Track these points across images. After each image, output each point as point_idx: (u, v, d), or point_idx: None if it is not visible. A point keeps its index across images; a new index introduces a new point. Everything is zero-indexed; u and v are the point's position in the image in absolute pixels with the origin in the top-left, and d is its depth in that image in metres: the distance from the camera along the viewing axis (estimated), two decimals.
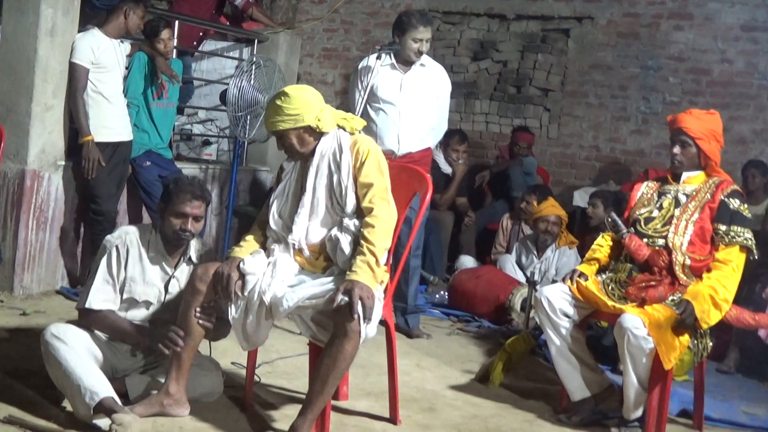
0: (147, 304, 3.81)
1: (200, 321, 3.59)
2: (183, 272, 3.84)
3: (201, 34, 7.52)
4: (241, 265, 3.57)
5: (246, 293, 3.53)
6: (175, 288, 3.83)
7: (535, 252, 6.71)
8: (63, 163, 5.52)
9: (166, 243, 3.83)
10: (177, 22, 6.72)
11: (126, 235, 3.82)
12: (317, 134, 3.65)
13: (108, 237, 3.86)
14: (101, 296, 3.73)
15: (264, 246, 3.72)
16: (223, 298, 3.57)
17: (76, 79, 5.36)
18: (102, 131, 5.43)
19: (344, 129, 3.71)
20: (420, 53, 5.41)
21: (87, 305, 3.70)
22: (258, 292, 3.52)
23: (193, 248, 3.89)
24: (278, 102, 3.61)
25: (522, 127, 8.69)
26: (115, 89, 5.57)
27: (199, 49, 7.61)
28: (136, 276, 3.78)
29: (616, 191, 6.98)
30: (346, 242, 3.52)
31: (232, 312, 3.55)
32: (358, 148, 3.63)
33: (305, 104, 3.62)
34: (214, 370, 3.92)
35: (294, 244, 3.63)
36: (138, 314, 3.80)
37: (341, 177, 3.60)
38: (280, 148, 3.71)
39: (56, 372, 3.51)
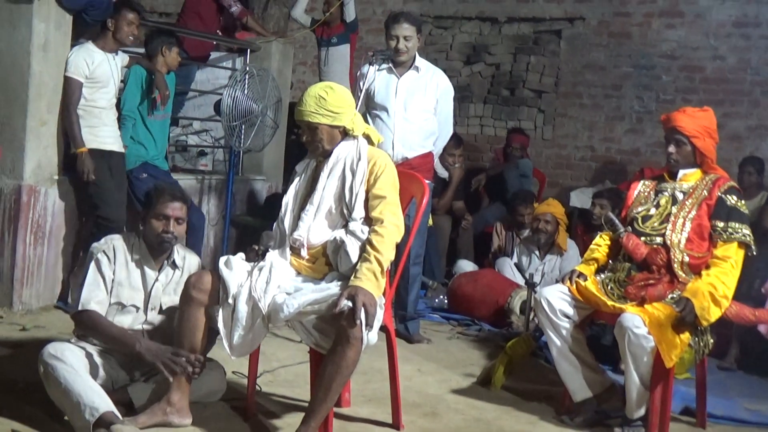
0: (134, 308, 3.84)
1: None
2: (167, 276, 3.89)
3: (214, 43, 7.61)
4: (220, 270, 3.57)
5: (230, 300, 3.51)
6: (158, 291, 3.87)
7: (537, 253, 6.71)
8: (58, 177, 5.51)
9: (149, 248, 3.88)
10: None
11: (111, 241, 3.88)
12: (344, 136, 3.68)
13: (94, 244, 3.91)
14: (94, 297, 3.75)
15: None
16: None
17: (69, 92, 5.35)
18: (92, 139, 5.42)
19: (369, 138, 3.74)
20: (399, 51, 5.41)
21: (81, 307, 3.71)
22: (247, 298, 3.50)
23: (178, 253, 3.93)
24: (322, 94, 3.62)
25: (516, 129, 8.72)
26: (108, 102, 5.56)
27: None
28: (122, 280, 3.82)
29: (617, 189, 6.96)
30: (353, 247, 3.51)
31: (221, 320, 3.53)
32: (376, 161, 3.66)
33: (346, 104, 3.67)
34: (216, 368, 3.93)
35: (297, 242, 3.62)
36: (126, 319, 3.82)
37: (354, 183, 3.61)
38: (306, 139, 3.71)
39: (55, 391, 3.50)
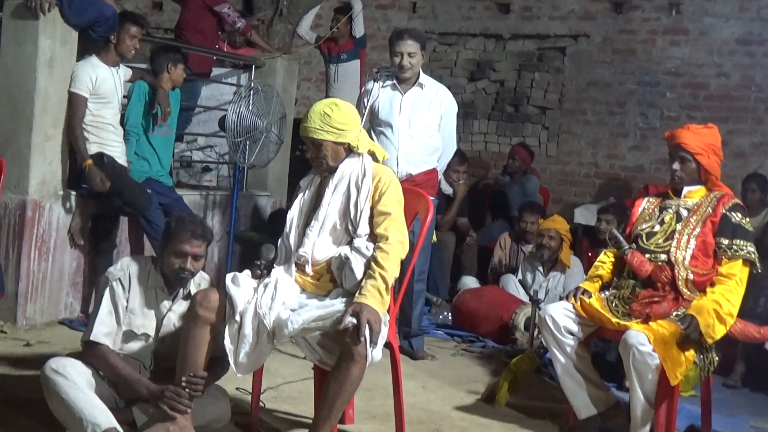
0: (145, 336, 3.79)
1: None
2: (181, 306, 3.83)
3: (215, 59, 7.63)
4: (228, 288, 3.56)
5: (237, 317, 3.50)
6: (170, 321, 3.81)
7: (542, 270, 6.70)
8: (63, 193, 5.52)
9: (165, 279, 3.83)
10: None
11: (128, 268, 3.81)
12: (349, 152, 3.68)
13: (110, 269, 3.85)
14: (104, 329, 3.70)
15: None
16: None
17: (74, 108, 5.37)
18: (104, 149, 5.46)
19: (374, 155, 3.75)
20: (403, 68, 5.43)
21: (92, 338, 3.69)
22: (253, 315, 3.49)
23: (193, 283, 3.89)
24: (327, 110, 3.61)
25: (521, 143, 8.74)
26: (113, 117, 5.59)
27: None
28: (135, 308, 3.77)
29: (622, 204, 6.96)
30: (357, 264, 3.52)
31: (227, 337, 3.51)
32: (381, 177, 3.66)
33: (352, 121, 3.67)
34: (222, 397, 3.89)
35: (301, 259, 3.62)
36: (135, 346, 3.78)
37: (359, 200, 3.61)
38: (311, 155, 3.70)
39: (57, 406, 3.48)
